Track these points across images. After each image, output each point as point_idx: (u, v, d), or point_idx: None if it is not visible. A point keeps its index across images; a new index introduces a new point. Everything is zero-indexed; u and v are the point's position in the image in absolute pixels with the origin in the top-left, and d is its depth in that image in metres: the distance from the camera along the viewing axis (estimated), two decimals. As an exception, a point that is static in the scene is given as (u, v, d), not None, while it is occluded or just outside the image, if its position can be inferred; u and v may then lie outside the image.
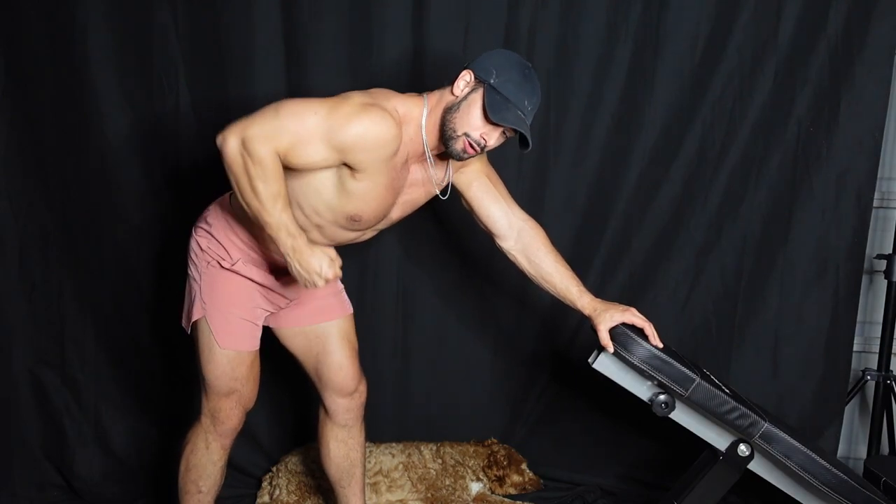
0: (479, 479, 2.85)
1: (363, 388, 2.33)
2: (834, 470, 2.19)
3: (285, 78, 2.69)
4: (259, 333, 2.21)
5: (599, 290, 2.87)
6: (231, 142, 1.87)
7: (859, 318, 2.91)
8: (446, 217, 2.81)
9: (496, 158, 2.78)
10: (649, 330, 2.15)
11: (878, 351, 2.94)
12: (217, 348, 2.14)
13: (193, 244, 2.17)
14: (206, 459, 2.22)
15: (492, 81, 1.94)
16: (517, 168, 2.80)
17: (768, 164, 2.78)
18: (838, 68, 2.70)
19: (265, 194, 1.87)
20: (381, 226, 2.16)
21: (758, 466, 2.28)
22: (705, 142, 2.78)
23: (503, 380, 2.98)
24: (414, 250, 2.86)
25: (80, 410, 2.83)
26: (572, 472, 2.97)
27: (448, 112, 1.97)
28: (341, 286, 2.37)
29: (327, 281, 1.92)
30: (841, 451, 3.03)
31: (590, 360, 2.24)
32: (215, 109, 2.70)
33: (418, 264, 2.88)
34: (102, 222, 2.73)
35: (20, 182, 2.69)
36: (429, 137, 2.01)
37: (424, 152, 2.04)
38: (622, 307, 2.17)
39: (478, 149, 1.98)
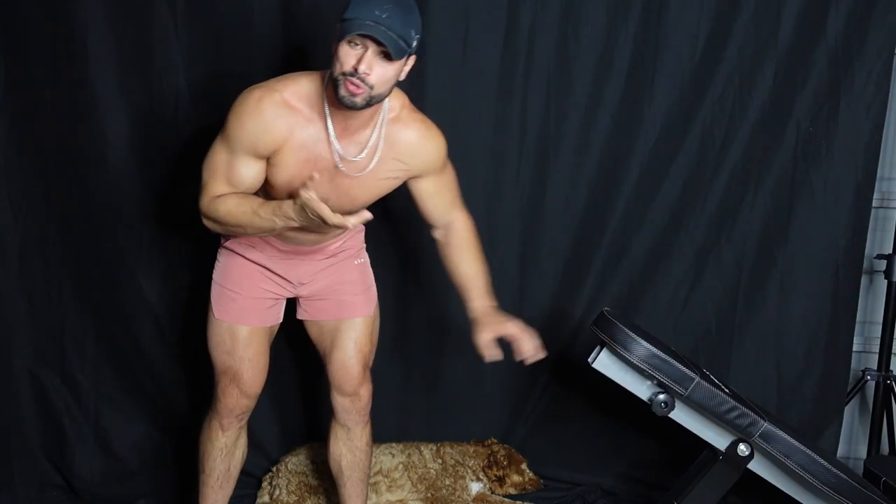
0: (479, 479, 2.85)
1: (364, 392, 2.33)
2: (834, 470, 2.19)
3: (285, 78, 2.68)
4: (268, 315, 2.26)
5: (600, 289, 2.88)
6: (205, 223, 2.06)
7: (859, 318, 2.91)
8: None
9: (496, 158, 2.79)
10: (528, 343, 2.15)
11: (878, 351, 2.94)
12: (212, 318, 2.24)
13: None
14: (206, 437, 2.29)
15: (342, 17, 1.86)
16: (517, 168, 2.80)
17: (768, 164, 2.78)
18: (838, 68, 2.70)
19: (243, 222, 1.97)
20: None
21: (758, 466, 2.29)
22: (705, 142, 2.78)
23: (503, 380, 2.98)
24: (414, 250, 2.86)
25: (80, 410, 2.83)
26: (572, 472, 2.96)
27: (331, 70, 1.92)
28: (371, 283, 2.38)
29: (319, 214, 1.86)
30: (841, 451, 3.03)
31: (590, 360, 2.24)
32: (215, 109, 2.70)
33: (418, 264, 2.87)
34: (102, 222, 2.73)
35: (20, 182, 2.68)
36: (330, 101, 1.97)
37: (332, 114, 1.99)
38: (506, 319, 2.18)
39: (358, 83, 1.86)
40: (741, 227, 2.82)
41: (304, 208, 1.84)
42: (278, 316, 2.31)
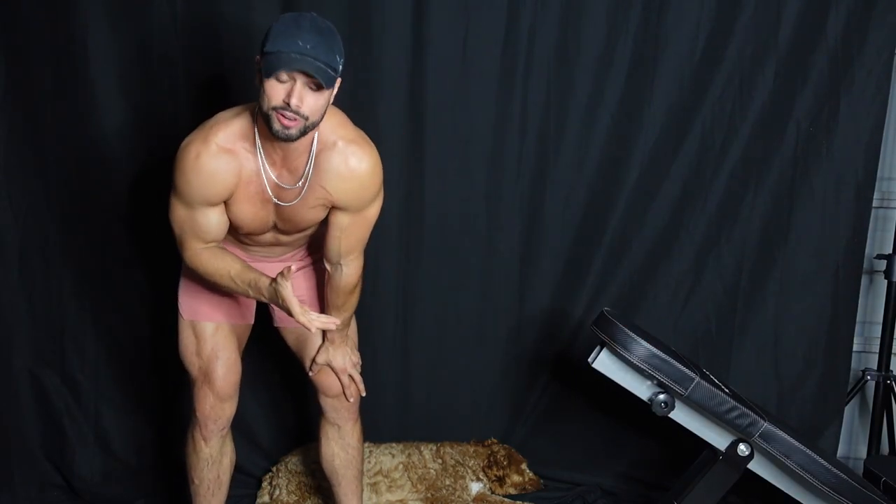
0: (479, 479, 2.85)
1: (358, 389, 2.34)
2: (834, 470, 2.19)
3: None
4: (235, 311, 2.26)
5: (600, 289, 2.88)
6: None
7: (859, 318, 2.91)
8: (445, 217, 2.82)
9: (496, 156, 2.79)
10: (346, 378, 2.25)
11: (878, 351, 2.94)
12: (181, 321, 2.24)
13: None
14: (190, 449, 2.27)
15: (264, 49, 1.83)
16: (517, 168, 2.80)
17: (768, 164, 2.78)
18: (838, 68, 2.70)
19: (219, 279, 2.05)
20: (281, 230, 2.14)
21: (758, 466, 2.29)
22: (705, 142, 2.78)
23: (503, 380, 2.98)
24: (414, 250, 2.86)
25: (80, 410, 2.83)
26: (572, 472, 2.96)
27: (259, 103, 1.90)
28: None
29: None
30: (841, 451, 3.03)
31: (590, 360, 2.24)
32: (215, 109, 2.69)
33: (418, 264, 2.87)
34: (102, 222, 2.73)
35: (20, 182, 2.69)
36: (261, 133, 1.96)
37: (260, 155, 1.99)
38: (343, 351, 2.27)
39: (290, 115, 1.85)
40: (741, 227, 2.82)
41: (276, 292, 1.94)
42: (246, 316, 2.30)
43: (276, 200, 2.04)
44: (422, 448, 2.87)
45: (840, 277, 2.82)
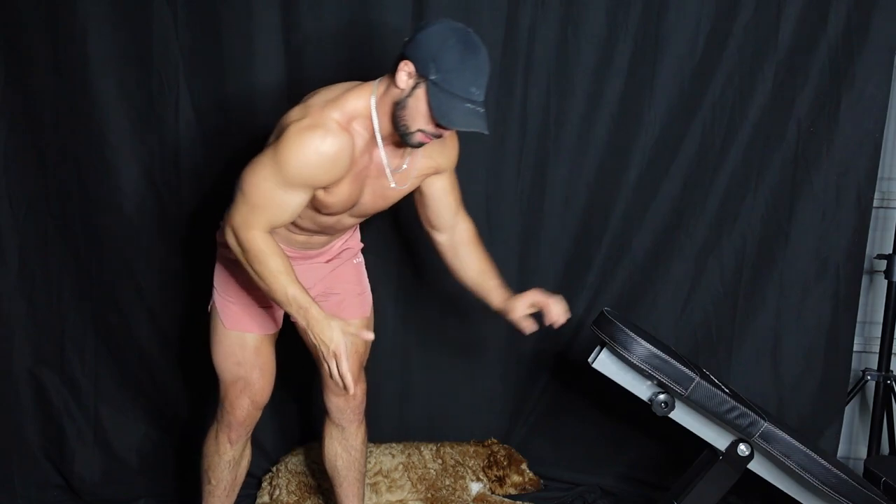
0: (479, 479, 2.85)
1: (359, 392, 2.33)
2: (834, 470, 2.19)
3: (285, 78, 2.69)
4: (270, 321, 2.23)
5: (600, 289, 2.88)
6: (228, 236, 1.97)
7: (859, 318, 2.91)
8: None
9: (496, 156, 2.79)
10: (555, 308, 2.17)
11: (878, 351, 2.94)
12: (222, 329, 2.18)
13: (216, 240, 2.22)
14: (213, 450, 2.26)
15: (432, 78, 1.84)
16: (517, 167, 2.80)
17: (768, 164, 2.78)
18: (838, 68, 2.70)
19: (265, 274, 1.92)
20: (357, 212, 2.14)
21: (758, 466, 2.28)
22: (705, 142, 2.78)
23: (503, 380, 2.98)
24: (414, 250, 2.86)
25: (80, 410, 2.83)
26: (572, 472, 2.97)
27: (397, 108, 1.90)
28: (366, 286, 2.37)
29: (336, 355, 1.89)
30: (841, 451, 3.03)
31: (590, 360, 2.24)
32: (215, 109, 2.70)
33: (418, 264, 2.87)
34: (102, 222, 2.73)
35: (20, 182, 2.69)
36: (381, 125, 1.96)
37: (385, 139, 1.99)
38: (527, 293, 2.20)
39: (434, 139, 1.94)
40: (741, 227, 2.82)
41: (329, 329, 1.87)
42: (278, 322, 2.28)
43: (391, 181, 2.05)
44: (422, 448, 2.86)
45: (840, 277, 2.82)
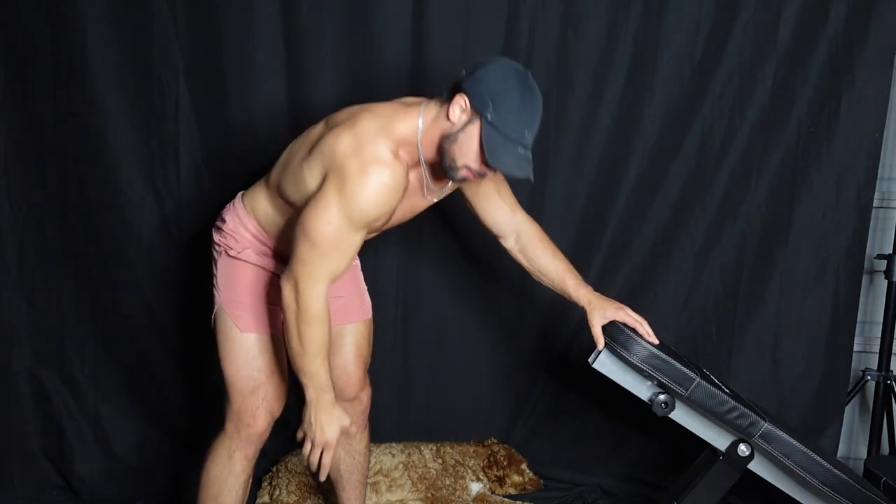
0: (479, 479, 2.85)
1: (365, 396, 2.32)
2: (834, 470, 2.19)
3: (285, 78, 2.69)
4: (278, 320, 2.15)
5: (599, 290, 2.84)
6: (286, 290, 1.89)
7: (859, 318, 2.91)
8: (447, 217, 2.81)
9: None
10: (642, 329, 2.15)
11: (878, 351, 2.94)
12: (237, 334, 2.08)
13: (212, 241, 2.18)
14: (227, 471, 2.11)
15: (489, 117, 1.81)
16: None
17: (768, 164, 2.78)
18: (838, 68, 2.70)
19: (308, 338, 1.89)
20: (383, 229, 2.12)
21: (758, 466, 2.28)
22: (705, 142, 2.78)
23: (503, 380, 2.98)
24: (414, 250, 2.86)
25: (80, 410, 2.83)
26: (572, 472, 2.97)
27: (446, 140, 1.88)
28: (364, 287, 2.36)
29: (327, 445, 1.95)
30: (841, 451, 3.03)
31: (590, 360, 2.24)
32: (215, 109, 2.70)
33: (418, 264, 2.88)
34: (102, 222, 2.73)
35: (20, 182, 2.69)
36: (425, 152, 1.93)
37: (423, 163, 1.97)
38: (617, 304, 2.17)
39: (478, 177, 1.93)
40: (741, 227, 2.82)
41: (332, 420, 1.93)
42: None
43: (431, 198, 2.06)
44: (422, 448, 2.87)
45: (840, 277, 2.82)
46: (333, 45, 2.67)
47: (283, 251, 2.11)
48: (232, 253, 2.11)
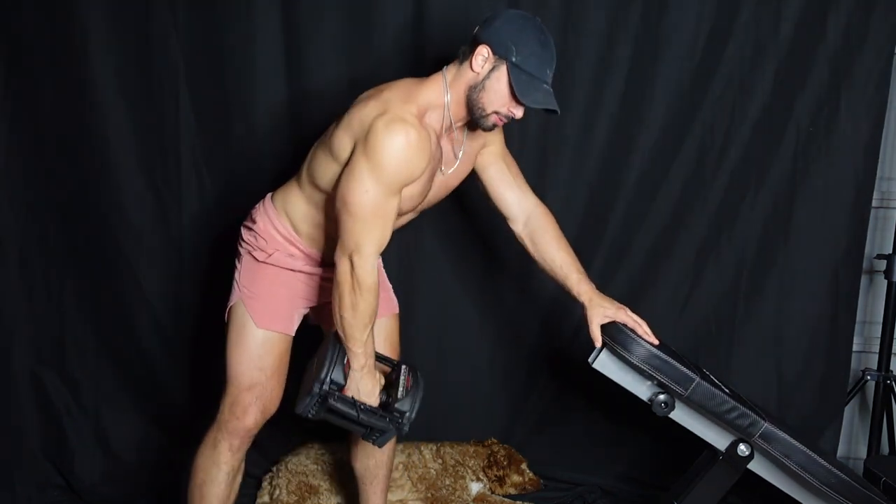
0: (479, 479, 2.85)
1: None
2: (834, 470, 2.19)
3: (285, 77, 2.69)
4: (293, 322, 2.18)
5: (600, 289, 2.82)
6: (341, 264, 1.94)
7: (859, 318, 2.91)
8: (447, 217, 2.82)
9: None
10: (641, 330, 2.15)
11: (878, 351, 2.94)
12: (252, 329, 2.10)
13: (239, 238, 2.18)
14: (210, 461, 2.15)
15: (514, 60, 1.91)
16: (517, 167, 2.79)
17: (768, 164, 2.78)
18: (838, 68, 2.70)
19: (361, 308, 1.95)
20: (421, 208, 2.16)
21: (758, 466, 2.28)
22: (705, 142, 2.78)
23: (503, 380, 2.98)
24: (414, 250, 2.86)
25: (80, 410, 2.83)
26: (572, 472, 2.97)
27: (473, 91, 1.96)
28: (388, 284, 2.36)
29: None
30: (841, 451, 3.03)
31: (590, 360, 2.24)
32: (215, 109, 2.70)
33: (418, 264, 2.88)
34: (102, 222, 2.73)
35: (20, 183, 2.69)
36: (454, 111, 2.00)
37: (451, 128, 2.03)
38: (617, 304, 2.17)
39: (506, 120, 2.01)
40: (741, 227, 2.82)
41: (373, 386, 2.00)
42: (297, 324, 2.23)
43: (448, 169, 2.10)
44: (422, 448, 2.86)
45: (840, 277, 2.82)
46: (333, 45, 2.67)
47: (312, 253, 2.15)
48: (260, 257, 2.12)
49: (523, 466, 2.89)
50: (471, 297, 2.92)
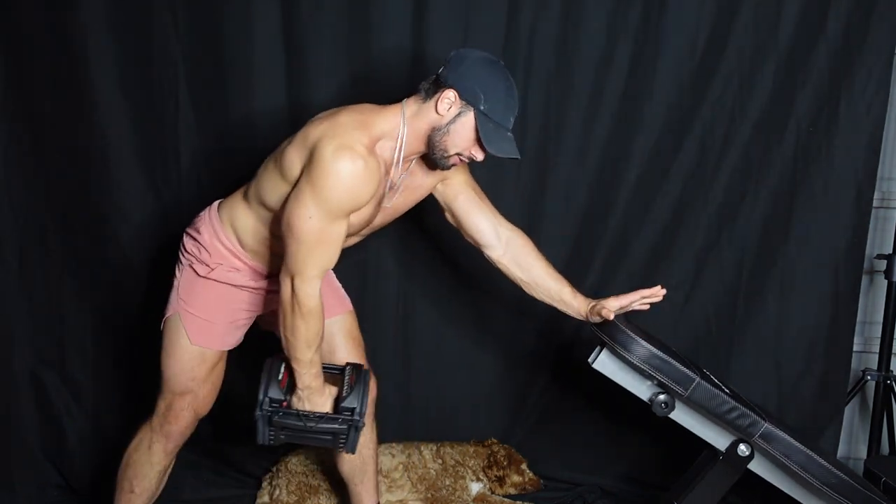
0: (479, 479, 2.85)
1: (373, 384, 2.32)
2: (834, 470, 2.19)
3: (285, 78, 2.69)
4: (237, 336, 2.21)
5: (599, 289, 2.87)
6: (284, 287, 1.95)
7: (859, 318, 2.91)
8: (446, 217, 2.81)
9: (496, 158, 2.78)
10: (635, 297, 2.17)
11: (878, 351, 2.94)
12: (185, 344, 2.13)
13: (181, 246, 2.18)
14: (144, 459, 2.20)
15: (482, 108, 1.93)
16: (517, 168, 2.80)
17: (768, 164, 2.78)
18: (838, 68, 2.70)
19: (302, 332, 1.95)
20: (365, 232, 2.16)
21: (758, 466, 2.28)
22: (705, 142, 2.78)
23: (503, 380, 2.98)
24: (413, 251, 2.86)
25: (80, 410, 2.83)
26: (572, 472, 2.97)
27: (436, 133, 1.97)
28: (338, 283, 2.37)
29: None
30: (841, 451, 3.03)
31: (590, 360, 2.24)
32: (215, 110, 2.70)
33: (418, 264, 2.87)
34: (102, 222, 2.73)
35: (20, 183, 2.69)
36: (410, 144, 2.01)
37: (400, 161, 2.03)
38: (606, 301, 2.19)
39: (467, 161, 2.03)
40: (741, 227, 2.82)
41: (322, 402, 2.03)
42: (241, 338, 2.25)
43: (392, 199, 2.12)
44: (422, 448, 2.86)
45: (840, 277, 2.82)
46: (333, 46, 2.67)
47: (255, 266, 2.14)
48: (201, 271, 2.12)
49: (523, 466, 2.89)
50: (471, 297, 2.92)
